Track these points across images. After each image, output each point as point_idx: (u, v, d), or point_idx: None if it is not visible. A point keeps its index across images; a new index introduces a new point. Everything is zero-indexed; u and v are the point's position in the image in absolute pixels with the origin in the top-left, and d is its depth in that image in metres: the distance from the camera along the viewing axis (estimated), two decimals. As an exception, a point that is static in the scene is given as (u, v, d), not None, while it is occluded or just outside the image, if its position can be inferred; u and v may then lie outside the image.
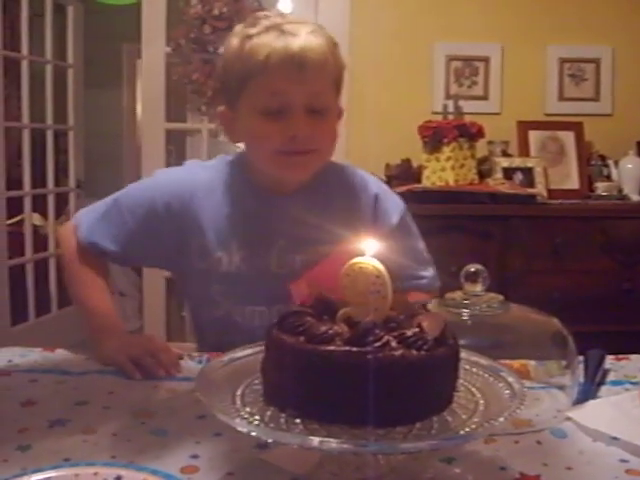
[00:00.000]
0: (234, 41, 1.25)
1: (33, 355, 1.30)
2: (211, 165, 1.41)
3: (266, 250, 1.33)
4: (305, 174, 1.32)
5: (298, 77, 1.20)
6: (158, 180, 1.41)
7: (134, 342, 1.28)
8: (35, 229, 4.22)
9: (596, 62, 3.41)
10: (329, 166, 1.37)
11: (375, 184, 1.43)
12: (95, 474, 0.79)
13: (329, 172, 1.37)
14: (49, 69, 4.15)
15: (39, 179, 4.18)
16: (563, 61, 3.41)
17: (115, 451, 0.89)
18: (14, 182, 3.98)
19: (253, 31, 1.23)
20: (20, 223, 4.08)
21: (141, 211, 1.35)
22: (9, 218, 3.90)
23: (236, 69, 1.24)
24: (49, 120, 4.21)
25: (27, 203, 4.05)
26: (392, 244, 1.34)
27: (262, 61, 1.20)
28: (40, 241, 4.21)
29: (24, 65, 3.97)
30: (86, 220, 1.40)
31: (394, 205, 1.42)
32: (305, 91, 1.21)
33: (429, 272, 1.44)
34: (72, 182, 4.42)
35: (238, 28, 1.27)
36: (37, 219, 4.32)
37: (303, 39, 1.21)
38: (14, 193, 3.95)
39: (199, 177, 1.37)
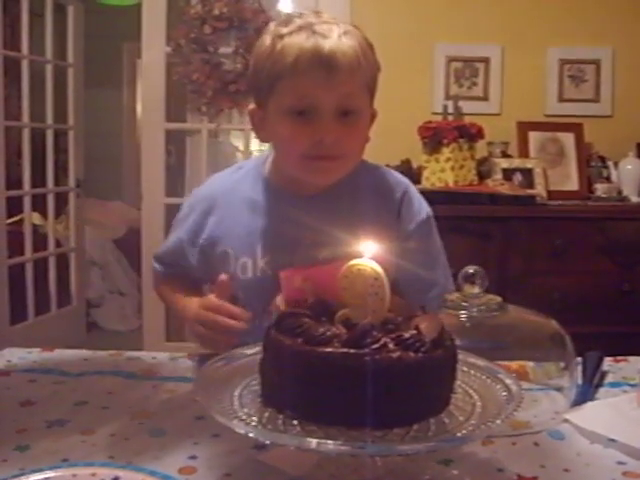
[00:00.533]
0: (266, 40, 1.23)
1: (32, 355, 1.31)
2: (229, 173, 1.42)
3: (291, 252, 1.30)
4: (330, 179, 1.29)
5: (327, 80, 1.17)
6: (189, 199, 1.45)
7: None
8: (35, 228, 4.22)
9: (596, 63, 3.41)
10: (360, 166, 1.34)
11: (406, 184, 1.40)
12: (93, 475, 0.79)
13: (360, 172, 1.34)
14: (49, 68, 4.16)
15: (39, 178, 4.18)
16: (563, 62, 3.40)
17: (113, 451, 0.90)
18: (14, 181, 3.99)
19: (285, 31, 1.20)
20: (20, 222, 4.08)
21: (179, 223, 1.42)
22: (9, 217, 3.91)
23: (266, 69, 1.22)
24: (49, 119, 4.21)
25: (27, 202, 4.06)
26: (412, 244, 1.34)
27: (291, 63, 1.17)
28: (40, 240, 4.21)
29: (24, 64, 3.97)
30: (156, 255, 1.47)
31: (420, 207, 1.39)
32: (334, 95, 1.18)
33: (441, 280, 1.37)
34: (72, 181, 4.42)
35: (271, 26, 1.24)
36: (37, 218, 4.32)
37: (334, 41, 1.17)
38: (14, 192, 3.95)
39: (216, 187, 1.39)
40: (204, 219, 1.35)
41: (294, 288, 1.23)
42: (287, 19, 1.23)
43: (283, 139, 1.25)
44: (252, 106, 1.32)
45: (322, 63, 1.16)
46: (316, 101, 1.18)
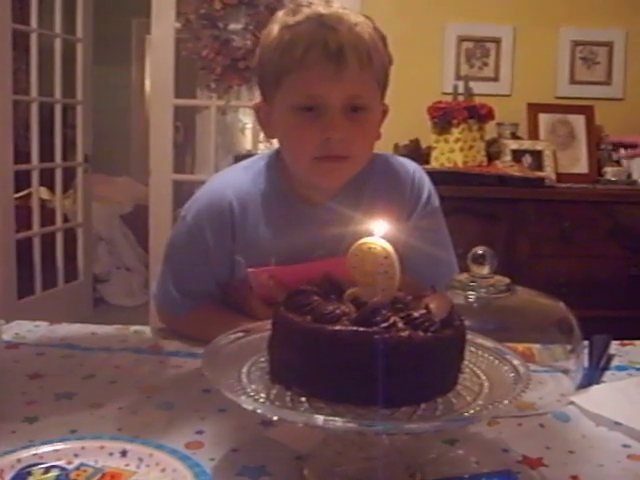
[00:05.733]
0: (273, 29, 1.17)
1: (40, 329, 1.31)
2: (237, 175, 1.31)
3: (304, 260, 1.25)
4: (339, 181, 1.24)
5: (335, 77, 1.11)
6: (191, 214, 1.29)
7: None
8: (42, 203, 4.23)
9: (609, 45, 3.38)
10: (374, 159, 1.28)
11: (417, 172, 1.35)
12: (101, 447, 0.80)
13: (375, 166, 1.29)
14: (58, 43, 4.14)
15: (47, 153, 4.18)
16: (575, 44, 3.38)
17: (121, 424, 0.90)
18: (22, 156, 3.99)
19: (292, 21, 1.15)
20: (28, 197, 4.09)
21: (194, 247, 1.28)
22: (17, 192, 3.91)
23: (273, 62, 1.16)
24: (57, 94, 4.20)
25: (35, 177, 4.06)
26: (424, 226, 1.31)
27: (298, 57, 1.12)
28: (47, 215, 4.22)
29: (33, 38, 3.96)
30: (164, 302, 1.35)
31: (431, 195, 1.36)
32: (343, 90, 1.13)
33: (453, 262, 1.38)
34: (80, 156, 4.42)
35: (279, 15, 1.18)
36: (44, 193, 4.33)
37: (344, 35, 1.12)
38: (22, 167, 3.96)
39: (231, 193, 1.26)
40: (227, 229, 1.26)
41: (260, 284, 1.24)
42: (295, 8, 1.17)
43: (290, 137, 1.20)
44: (257, 100, 1.26)
45: (331, 57, 1.11)
46: (324, 97, 1.13)
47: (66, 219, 4.45)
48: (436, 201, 1.37)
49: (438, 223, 1.38)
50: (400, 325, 0.71)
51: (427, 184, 1.36)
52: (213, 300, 1.32)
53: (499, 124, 3.21)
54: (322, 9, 1.16)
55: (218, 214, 1.26)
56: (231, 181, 1.30)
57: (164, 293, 1.33)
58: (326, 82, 1.12)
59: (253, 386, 0.76)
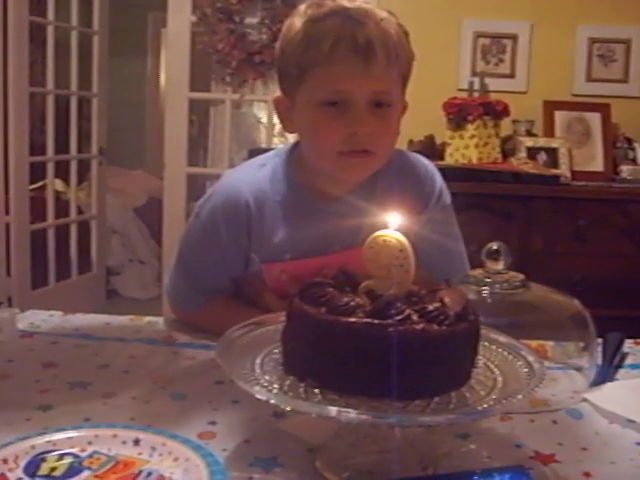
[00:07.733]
0: (296, 23, 1.14)
1: (54, 318, 1.32)
2: (253, 172, 1.28)
3: (321, 255, 1.25)
4: (362, 176, 1.23)
5: (363, 72, 1.10)
6: (205, 212, 1.27)
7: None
8: (57, 195, 4.25)
9: (626, 43, 3.35)
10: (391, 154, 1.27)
11: (431, 169, 1.35)
12: (114, 436, 0.80)
13: (391, 161, 1.26)
14: (74, 35, 4.16)
15: (62, 145, 4.20)
16: (593, 41, 3.35)
17: (134, 414, 0.91)
18: (37, 147, 4.01)
19: (318, 14, 1.12)
20: (42, 188, 4.12)
21: (208, 245, 1.28)
22: (32, 183, 3.94)
23: (297, 55, 1.14)
24: (73, 87, 4.22)
25: (50, 169, 4.09)
26: (437, 220, 1.31)
27: (326, 52, 1.10)
28: (62, 207, 4.25)
29: (49, 31, 3.98)
30: (176, 298, 1.35)
31: (444, 191, 1.36)
32: (369, 88, 1.12)
33: (465, 256, 1.38)
34: (95, 149, 4.44)
35: (301, 8, 1.16)
36: (59, 185, 4.36)
37: (372, 30, 1.10)
38: (37, 158, 3.98)
39: (247, 191, 1.24)
40: (243, 228, 1.25)
41: (273, 277, 1.26)
42: (319, 2, 1.15)
43: (314, 131, 1.17)
44: (277, 94, 1.24)
45: (359, 52, 1.09)
46: (351, 92, 1.12)
47: (80, 211, 4.47)
48: (448, 198, 1.37)
49: (449, 217, 1.38)
50: (414, 318, 0.71)
51: (439, 180, 1.36)
52: (226, 294, 1.32)
53: (515, 121, 3.20)
54: (347, 3, 1.14)
55: (234, 213, 1.24)
56: (247, 179, 1.27)
57: (177, 289, 1.33)
58: (354, 77, 1.11)
59: (267, 377, 0.76)
